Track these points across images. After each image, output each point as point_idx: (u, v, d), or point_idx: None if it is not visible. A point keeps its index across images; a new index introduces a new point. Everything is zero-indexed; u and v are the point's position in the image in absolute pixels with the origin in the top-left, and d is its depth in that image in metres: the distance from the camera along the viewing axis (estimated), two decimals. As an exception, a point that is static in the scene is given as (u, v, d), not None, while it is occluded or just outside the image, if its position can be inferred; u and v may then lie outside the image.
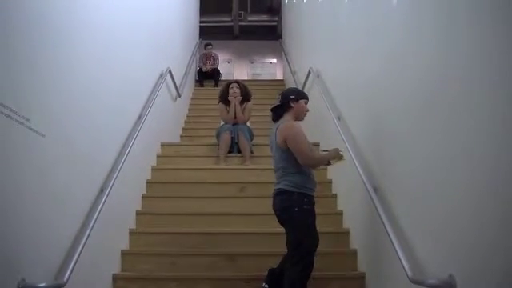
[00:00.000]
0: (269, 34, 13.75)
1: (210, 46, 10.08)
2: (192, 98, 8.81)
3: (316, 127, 5.25)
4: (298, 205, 3.23)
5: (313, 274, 3.28)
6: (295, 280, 3.16)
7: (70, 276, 2.46)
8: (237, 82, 6.43)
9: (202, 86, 9.75)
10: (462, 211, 2.05)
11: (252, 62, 15.11)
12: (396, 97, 2.95)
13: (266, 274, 3.43)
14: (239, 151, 5.81)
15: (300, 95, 3.53)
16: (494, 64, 1.79)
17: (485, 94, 1.85)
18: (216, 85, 9.54)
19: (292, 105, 3.45)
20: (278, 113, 3.51)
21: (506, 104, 1.70)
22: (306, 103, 3.51)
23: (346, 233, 4.15)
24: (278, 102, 3.51)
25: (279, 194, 3.32)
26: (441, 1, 2.32)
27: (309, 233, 3.24)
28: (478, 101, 1.90)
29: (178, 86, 6.88)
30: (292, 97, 3.47)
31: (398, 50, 2.90)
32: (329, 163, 3.46)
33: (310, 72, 5.98)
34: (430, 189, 2.40)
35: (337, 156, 3.38)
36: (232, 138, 5.80)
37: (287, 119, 3.42)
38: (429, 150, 2.40)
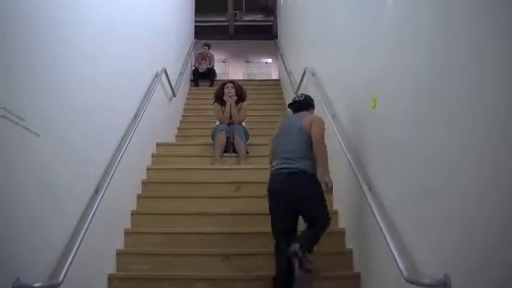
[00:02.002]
0: (264, 34, 13.75)
1: (207, 47, 10.04)
2: (187, 98, 8.79)
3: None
4: (318, 184, 3.51)
5: (308, 273, 3.28)
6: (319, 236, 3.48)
7: (65, 276, 2.46)
8: (232, 81, 6.42)
9: (197, 85, 9.72)
10: (459, 211, 2.05)
11: (247, 62, 15.11)
12: (393, 96, 2.95)
13: (260, 273, 3.43)
14: (234, 151, 5.81)
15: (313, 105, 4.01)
16: (493, 63, 1.79)
17: (484, 94, 1.85)
18: (211, 85, 9.52)
19: (311, 110, 3.93)
20: (298, 106, 3.93)
21: (506, 104, 1.70)
22: None
23: (342, 232, 4.16)
24: (300, 98, 3.99)
25: (297, 174, 3.53)
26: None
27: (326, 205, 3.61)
28: (478, 101, 1.90)
29: (173, 86, 6.87)
30: (312, 103, 3.98)
31: (395, 48, 2.90)
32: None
33: (305, 72, 5.99)
34: (425, 189, 2.41)
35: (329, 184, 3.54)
36: (227, 137, 5.80)
37: (313, 113, 3.90)
38: (426, 149, 2.40)
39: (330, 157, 4.17)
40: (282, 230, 3.54)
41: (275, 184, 3.60)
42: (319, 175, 3.53)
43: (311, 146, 3.59)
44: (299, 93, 5.37)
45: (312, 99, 4.02)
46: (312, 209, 3.52)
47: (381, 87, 3.16)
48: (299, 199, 3.51)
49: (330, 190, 3.54)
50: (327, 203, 3.60)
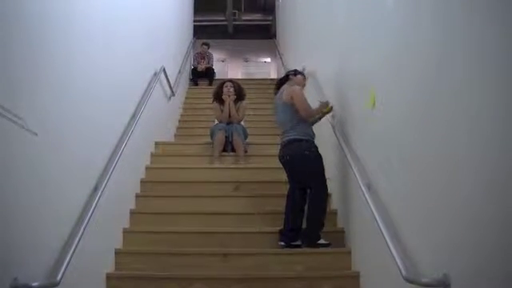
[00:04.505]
0: (263, 33, 13.77)
1: (206, 46, 10.01)
2: (186, 97, 8.79)
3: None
4: (309, 149, 4.02)
5: (307, 273, 3.27)
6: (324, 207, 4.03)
7: (63, 275, 2.45)
8: (231, 80, 6.44)
9: (196, 84, 9.72)
10: (459, 211, 2.05)
11: (246, 61, 15.11)
12: (392, 95, 2.94)
13: (260, 273, 3.43)
14: (233, 150, 5.81)
15: (298, 72, 4.54)
16: (494, 65, 1.78)
17: (485, 95, 1.84)
18: (210, 84, 9.52)
19: (291, 77, 4.41)
20: (278, 85, 4.44)
21: (506, 105, 1.69)
22: (303, 79, 4.49)
23: (341, 232, 4.15)
24: (281, 76, 4.69)
25: (290, 143, 4.07)
26: None
27: (323, 170, 4.07)
28: (479, 101, 1.89)
29: (172, 85, 6.86)
30: (292, 72, 4.53)
31: (394, 49, 2.89)
32: (323, 114, 4.29)
33: (303, 71, 5.97)
34: (425, 188, 2.40)
35: (324, 105, 4.25)
36: (226, 137, 5.80)
37: (291, 84, 4.27)
38: (428, 149, 2.39)
39: (329, 158, 4.18)
40: (295, 185, 4.11)
41: (280, 152, 4.20)
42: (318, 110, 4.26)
43: (296, 113, 4.07)
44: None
45: (290, 70, 4.58)
46: (305, 171, 4.00)
47: (380, 86, 3.15)
48: (293, 162, 4.07)
49: (324, 105, 4.26)
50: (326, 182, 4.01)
